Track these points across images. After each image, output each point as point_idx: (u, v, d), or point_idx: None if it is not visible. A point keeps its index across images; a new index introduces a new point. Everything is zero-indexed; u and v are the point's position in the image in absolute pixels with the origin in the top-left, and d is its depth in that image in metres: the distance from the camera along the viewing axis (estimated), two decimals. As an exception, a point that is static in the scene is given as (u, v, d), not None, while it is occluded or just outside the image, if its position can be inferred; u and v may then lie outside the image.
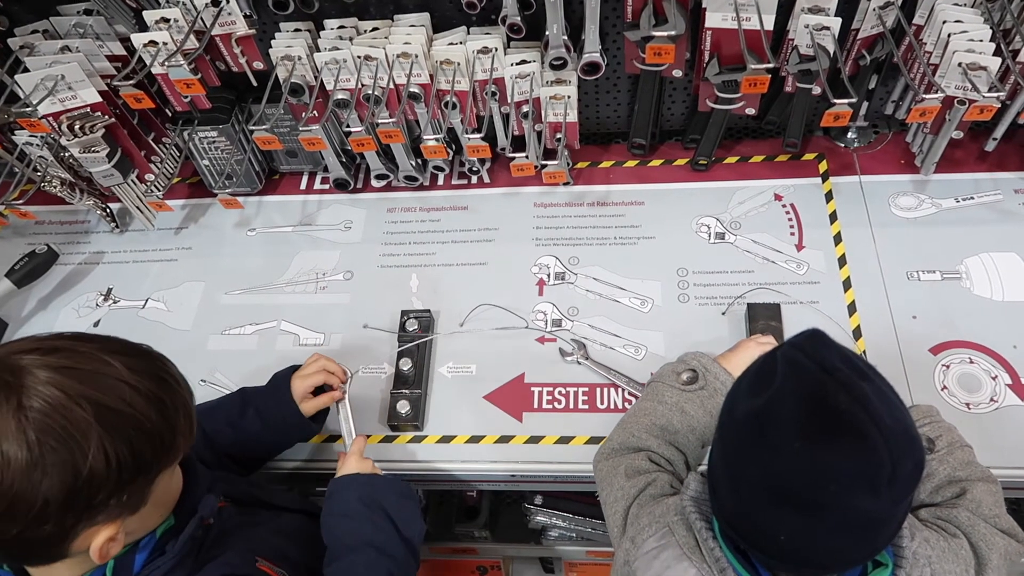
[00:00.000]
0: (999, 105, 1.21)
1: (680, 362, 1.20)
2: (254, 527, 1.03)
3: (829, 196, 1.53)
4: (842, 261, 1.44)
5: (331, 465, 1.24)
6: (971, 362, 1.29)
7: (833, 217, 1.50)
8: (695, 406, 1.12)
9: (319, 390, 1.25)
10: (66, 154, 1.48)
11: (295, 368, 1.25)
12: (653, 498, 1.02)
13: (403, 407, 1.31)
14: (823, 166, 1.58)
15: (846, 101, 1.17)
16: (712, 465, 0.86)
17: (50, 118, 1.35)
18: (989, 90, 1.18)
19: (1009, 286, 1.37)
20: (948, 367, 1.29)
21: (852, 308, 1.38)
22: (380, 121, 1.39)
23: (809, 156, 1.60)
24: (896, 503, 0.76)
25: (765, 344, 1.22)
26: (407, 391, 1.33)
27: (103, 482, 0.74)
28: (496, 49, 1.36)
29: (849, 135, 1.60)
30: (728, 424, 0.83)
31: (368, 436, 1.29)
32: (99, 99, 1.37)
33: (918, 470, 0.77)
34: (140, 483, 0.79)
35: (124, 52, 1.40)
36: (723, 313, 1.40)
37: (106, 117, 1.39)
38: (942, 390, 1.26)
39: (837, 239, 1.47)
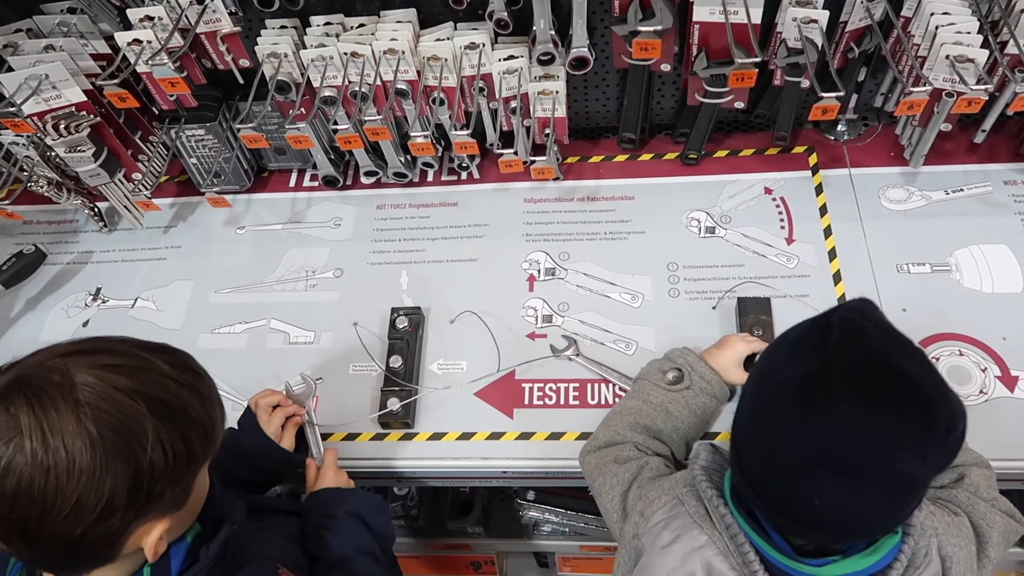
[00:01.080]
0: (987, 98, 1.20)
1: (666, 359, 1.20)
2: (267, 533, 1.04)
3: (819, 189, 1.53)
4: (832, 254, 1.44)
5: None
6: (961, 354, 1.29)
7: (823, 210, 1.50)
8: (679, 406, 1.13)
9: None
10: (52, 154, 1.47)
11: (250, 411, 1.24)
12: (652, 479, 1.02)
13: (394, 404, 1.31)
14: (813, 159, 1.57)
15: (834, 95, 1.16)
16: (740, 432, 0.86)
17: (35, 118, 1.34)
18: (977, 83, 1.18)
19: (999, 278, 1.37)
20: (938, 359, 1.29)
21: (842, 301, 1.38)
22: (367, 119, 1.38)
23: (799, 149, 1.59)
24: (939, 469, 0.77)
25: (752, 342, 1.22)
26: (397, 388, 1.33)
27: (162, 473, 0.75)
28: (483, 45, 1.35)
29: (839, 128, 1.60)
30: (765, 391, 0.82)
31: (336, 450, 1.26)
32: (84, 98, 1.36)
33: (962, 437, 0.77)
34: (189, 475, 0.80)
35: (109, 51, 1.39)
36: (713, 307, 1.40)
37: (91, 116, 1.38)
38: (932, 382, 1.27)
39: (827, 232, 1.47)
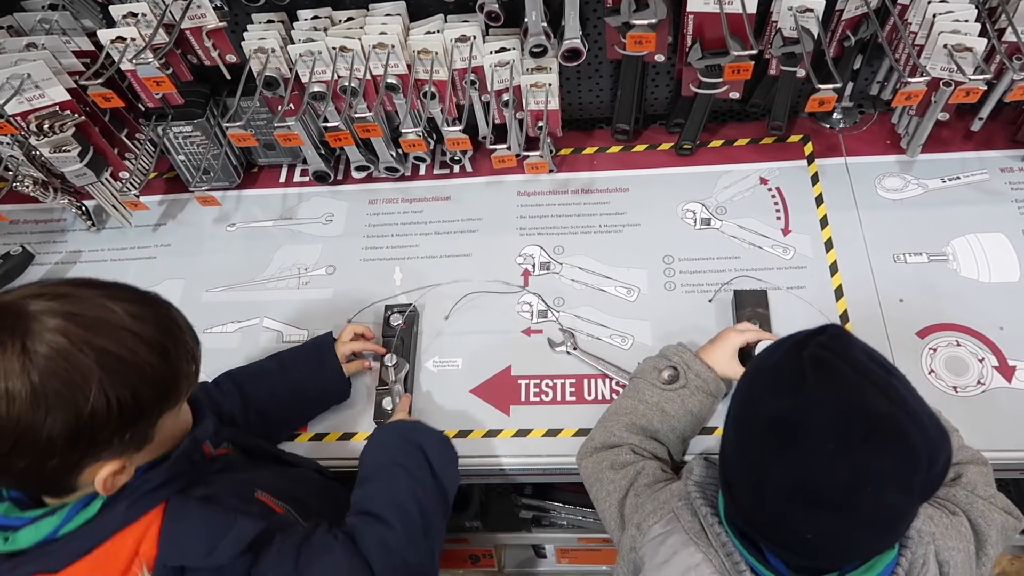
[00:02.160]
0: (985, 88, 1.19)
1: (662, 357, 1.19)
2: (261, 471, 1.06)
3: (815, 179, 1.52)
4: (828, 245, 1.43)
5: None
6: (958, 345, 1.29)
7: (819, 200, 1.49)
8: (675, 406, 1.12)
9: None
10: (37, 152, 1.45)
11: (331, 336, 1.33)
12: (648, 486, 1.02)
13: (389, 404, 1.30)
14: (808, 148, 1.56)
15: (831, 86, 1.15)
16: (727, 462, 0.85)
17: (18, 118, 1.32)
18: (975, 72, 1.17)
19: (995, 267, 1.36)
20: (935, 350, 1.29)
21: (839, 292, 1.37)
22: (357, 115, 1.36)
23: (794, 138, 1.58)
24: (925, 497, 0.76)
25: (745, 332, 1.21)
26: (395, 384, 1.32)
27: (105, 422, 0.76)
28: (474, 37, 1.33)
29: (834, 116, 1.59)
30: (747, 424, 0.81)
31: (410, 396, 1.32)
32: (68, 97, 1.33)
33: (948, 464, 0.77)
34: (142, 425, 0.81)
35: (92, 47, 1.36)
36: (710, 300, 1.39)
37: (76, 115, 1.35)
38: (929, 374, 1.26)
39: (823, 222, 1.46)
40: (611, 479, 1.06)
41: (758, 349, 1.20)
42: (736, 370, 1.18)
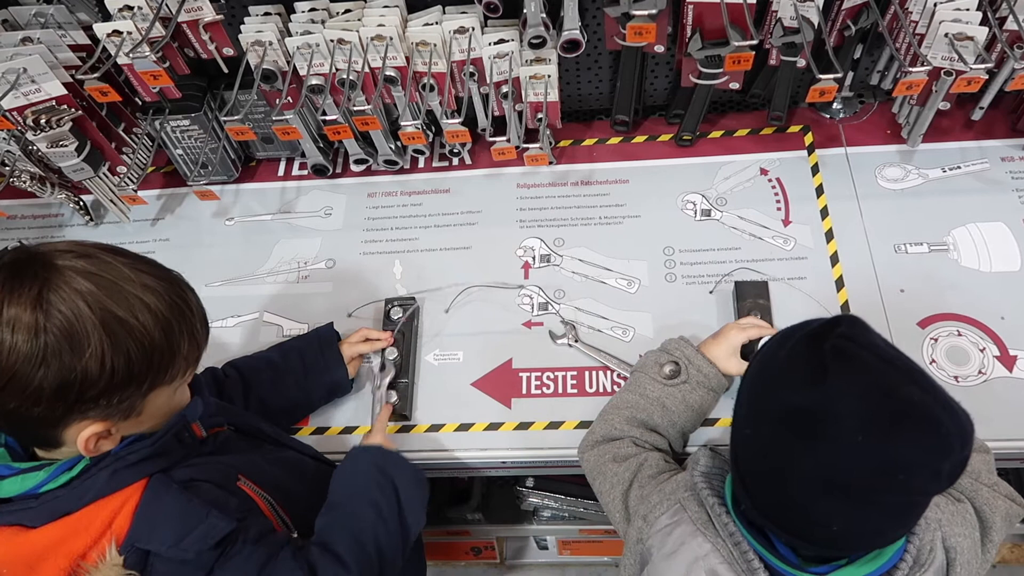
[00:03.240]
0: (987, 77, 1.18)
1: (664, 352, 1.18)
2: (252, 453, 1.07)
3: (815, 169, 1.51)
4: (829, 236, 1.42)
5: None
6: (959, 335, 1.29)
7: (819, 191, 1.48)
8: (676, 401, 1.12)
9: None
10: (34, 147, 1.44)
11: (333, 327, 1.33)
12: (652, 477, 1.02)
13: (390, 397, 1.30)
14: (808, 138, 1.56)
15: (832, 76, 1.14)
16: (742, 457, 0.84)
17: (14, 113, 1.31)
18: (976, 61, 1.16)
19: (996, 256, 1.36)
20: (936, 340, 1.29)
21: (840, 283, 1.37)
22: (356, 108, 1.35)
23: (794, 128, 1.57)
24: (951, 482, 0.75)
25: (747, 329, 1.20)
26: (394, 380, 1.32)
27: (95, 382, 0.79)
28: (473, 29, 1.32)
29: (834, 106, 1.58)
30: (763, 419, 0.80)
31: (393, 404, 1.30)
32: (64, 91, 1.32)
33: (971, 447, 0.77)
34: (131, 392, 0.83)
35: (88, 41, 1.35)
36: (711, 292, 1.38)
37: (73, 110, 1.34)
38: (931, 364, 1.26)
39: (824, 213, 1.45)
40: (614, 471, 1.06)
41: (760, 344, 1.20)
42: (738, 366, 1.17)
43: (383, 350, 1.32)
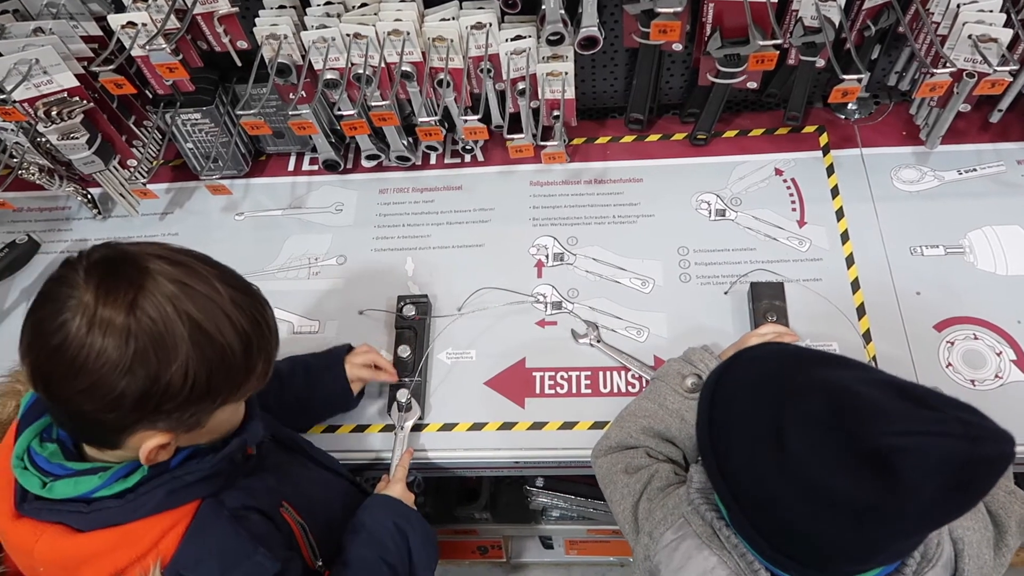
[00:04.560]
0: (1011, 79, 1.18)
1: (686, 362, 1.15)
2: (290, 470, 1.07)
3: (831, 170, 1.51)
4: (844, 237, 1.42)
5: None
6: (976, 338, 1.28)
7: (835, 192, 1.48)
8: (695, 414, 1.10)
9: None
10: (43, 139, 1.42)
11: (349, 346, 1.30)
12: (661, 490, 1.01)
13: (403, 396, 1.29)
14: (824, 139, 1.55)
15: (855, 76, 1.13)
16: (731, 478, 0.82)
17: (25, 104, 1.30)
18: (1000, 63, 1.15)
19: (1013, 260, 1.35)
20: (953, 344, 1.28)
21: (855, 285, 1.36)
22: (374, 104, 1.34)
23: (809, 129, 1.57)
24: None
25: (767, 336, 1.19)
26: (406, 379, 1.31)
27: (175, 395, 0.78)
28: (490, 24, 1.30)
29: (849, 106, 1.57)
30: (749, 437, 0.79)
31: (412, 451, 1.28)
32: (76, 83, 1.31)
33: None
34: (204, 406, 0.83)
35: (101, 32, 1.33)
36: (726, 293, 1.38)
37: (84, 102, 1.33)
38: (947, 367, 1.26)
39: (839, 214, 1.45)
40: (625, 483, 1.06)
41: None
42: None
43: (395, 391, 1.29)
